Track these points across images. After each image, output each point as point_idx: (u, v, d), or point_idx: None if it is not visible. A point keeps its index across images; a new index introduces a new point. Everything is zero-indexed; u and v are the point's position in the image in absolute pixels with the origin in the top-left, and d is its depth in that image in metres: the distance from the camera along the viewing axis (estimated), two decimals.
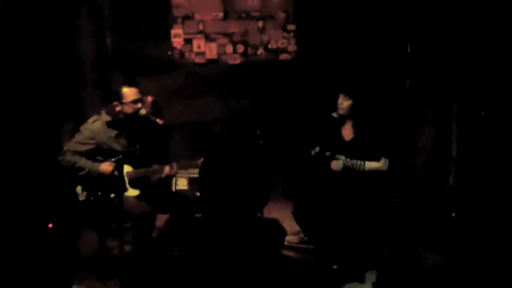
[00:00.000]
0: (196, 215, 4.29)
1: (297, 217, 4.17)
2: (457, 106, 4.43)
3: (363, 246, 3.89)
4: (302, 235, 4.46)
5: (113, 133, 4.06)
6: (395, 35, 5.00)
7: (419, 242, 4.12)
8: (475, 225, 4.04)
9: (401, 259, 3.93)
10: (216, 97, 6.23)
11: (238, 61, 6.53)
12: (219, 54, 6.55)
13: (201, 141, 6.05)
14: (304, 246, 4.42)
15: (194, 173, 5.22)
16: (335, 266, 3.93)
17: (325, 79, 5.09)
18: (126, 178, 4.04)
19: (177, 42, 6.51)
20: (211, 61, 6.55)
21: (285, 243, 4.39)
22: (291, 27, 6.49)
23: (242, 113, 6.18)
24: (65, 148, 4.01)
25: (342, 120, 4.12)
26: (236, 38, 6.52)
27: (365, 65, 5.26)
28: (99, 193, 3.94)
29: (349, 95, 4.04)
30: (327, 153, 4.01)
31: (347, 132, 4.13)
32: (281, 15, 6.49)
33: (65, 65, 5.17)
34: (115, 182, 3.87)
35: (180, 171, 4.68)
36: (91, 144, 4.00)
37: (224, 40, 6.53)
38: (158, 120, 4.49)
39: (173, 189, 5.34)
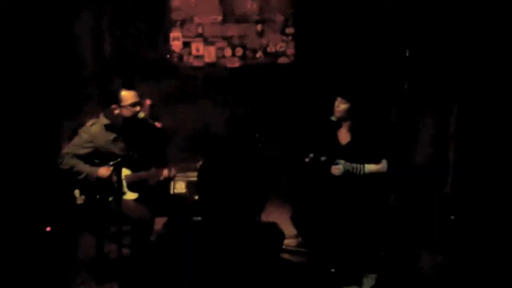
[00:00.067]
0: (195, 218, 4.30)
1: (296, 221, 4.17)
2: (454, 111, 4.44)
3: (361, 250, 3.89)
4: (300, 238, 4.46)
5: (112, 136, 4.06)
6: (393, 39, 5.01)
7: (419, 244, 4.13)
8: (474, 226, 4.05)
9: (400, 261, 3.94)
10: (215, 100, 6.23)
11: (236, 65, 6.54)
12: (217, 58, 6.55)
13: (200, 145, 6.05)
14: (302, 249, 4.42)
15: (192, 176, 5.22)
16: (333, 270, 3.93)
17: (324, 82, 5.09)
18: (124, 182, 4.04)
19: (176, 45, 6.52)
20: (210, 65, 6.55)
21: (283, 246, 4.40)
22: (289, 30, 6.50)
23: (240, 116, 6.18)
24: (63, 151, 4.01)
25: (338, 123, 4.12)
26: (235, 41, 6.53)
27: (363, 69, 5.27)
28: (97, 197, 3.93)
29: (346, 98, 4.05)
30: (322, 158, 4.01)
31: (343, 135, 4.13)
32: (280, 19, 6.50)
33: (64, 68, 5.17)
34: (113, 185, 3.87)
35: (178, 174, 4.67)
36: (90, 147, 4.00)
37: (222, 43, 6.54)
38: (156, 123, 4.50)
39: (171, 192, 5.34)
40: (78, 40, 5.68)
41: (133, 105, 4.05)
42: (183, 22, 6.50)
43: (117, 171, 3.82)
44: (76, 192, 3.97)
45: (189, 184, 5.33)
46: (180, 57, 6.53)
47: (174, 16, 6.49)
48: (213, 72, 6.47)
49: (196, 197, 5.10)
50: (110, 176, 3.89)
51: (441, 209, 4.33)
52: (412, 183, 4.55)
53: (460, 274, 3.71)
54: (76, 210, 3.96)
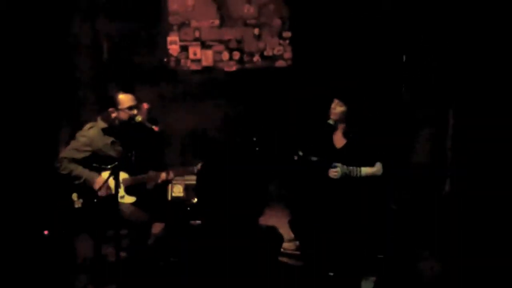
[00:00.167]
0: (194, 222, 4.29)
1: (293, 226, 4.16)
2: (454, 111, 4.44)
3: (360, 253, 3.89)
4: (298, 242, 4.45)
5: (109, 140, 4.05)
6: (392, 40, 5.02)
7: (418, 246, 4.13)
8: (474, 226, 4.05)
9: (399, 264, 3.93)
10: (212, 104, 6.22)
11: (234, 68, 6.54)
12: (215, 61, 6.56)
13: (197, 148, 6.04)
14: (300, 253, 4.41)
15: (190, 179, 5.21)
16: (331, 273, 3.92)
17: (321, 86, 5.09)
18: (122, 185, 4.03)
19: (173, 49, 6.52)
20: (207, 68, 6.56)
21: (282, 250, 4.40)
22: (287, 34, 6.51)
23: (237, 120, 6.18)
24: (61, 155, 4.00)
25: (334, 126, 4.11)
26: (232, 45, 6.53)
27: (361, 71, 5.27)
28: (95, 200, 3.92)
29: (343, 101, 4.04)
30: (313, 158, 4.01)
31: (338, 139, 4.12)
32: (277, 22, 6.51)
33: (61, 72, 5.17)
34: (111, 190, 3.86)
35: (176, 178, 4.66)
36: (87, 151, 3.99)
37: (220, 47, 6.54)
38: (154, 126, 4.49)
39: (169, 196, 5.33)
40: (75, 44, 5.68)
41: (131, 108, 4.05)
42: (180, 26, 6.50)
43: (114, 174, 3.81)
44: (74, 196, 3.96)
45: (187, 188, 5.32)
46: (178, 61, 6.53)
47: (172, 20, 6.50)
48: (210, 76, 6.47)
49: (194, 201, 5.09)
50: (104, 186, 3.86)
51: (441, 210, 4.33)
52: (411, 183, 4.55)
53: (459, 276, 3.71)
54: (74, 213, 3.95)
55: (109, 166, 3.97)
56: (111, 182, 3.76)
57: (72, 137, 4.12)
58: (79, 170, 3.94)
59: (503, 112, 3.99)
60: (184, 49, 6.53)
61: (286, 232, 4.16)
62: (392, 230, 3.94)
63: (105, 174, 3.94)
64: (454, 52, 4.38)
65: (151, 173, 4.15)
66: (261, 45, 6.53)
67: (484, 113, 4.07)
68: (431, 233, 4.30)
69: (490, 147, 4.01)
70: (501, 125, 3.96)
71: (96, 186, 3.89)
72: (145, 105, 5.00)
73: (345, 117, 4.05)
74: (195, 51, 6.53)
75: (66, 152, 4.01)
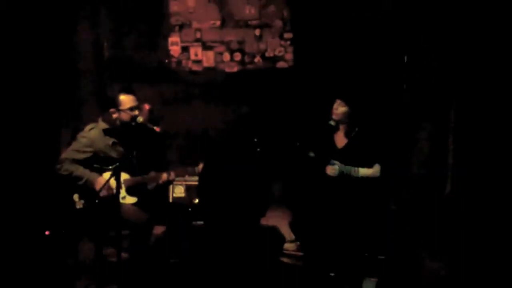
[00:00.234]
0: (196, 222, 4.30)
1: (294, 227, 4.16)
2: (454, 111, 4.44)
3: (361, 253, 3.89)
4: (299, 242, 4.46)
5: (110, 140, 4.06)
6: (392, 40, 5.02)
7: (419, 246, 4.13)
8: (474, 226, 4.05)
9: (401, 264, 3.93)
10: (213, 105, 6.24)
11: (235, 69, 6.55)
12: (216, 62, 6.57)
13: (198, 149, 6.05)
14: (301, 253, 4.42)
15: (191, 180, 5.22)
16: (332, 274, 3.92)
17: (322, 87, 5.10)
18: (123, 186, 4.04)
19: (175, 50, 6.54)
20: (208, 69, 6.57)
21: (283, 250, 4.40)
22: (288, 35, 6.52)
23: (239, 121, 6.19)
24: (62, 156, 4.01)
25: (335, 127, 4.11)
26: (233, 46, 6.55)
27: (362, 72, 5.28)
28: (96, 201, 3.93)
29: (345, 101, 4.04)
30: (311, 154, 4.01)
31: (340, 139, 4.12)
32: (278, 24, 6.52)
33: (62, 73, 5.18)
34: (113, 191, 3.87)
35: (177, 179, 4.67)
36: (89, 152, 3.99)
37: (221, 48, 6.56)
38: (155, 127, 4.50)
39: (170, 197, 5.34)
40: (76, 45, 5.70)
41: (132, 109, 4.05)
42: (181, 27, 6.52)
43: (116, 175, 3.82)
44: (75, 197, 3.96)
45: (188, 188, 5.33)
46: (179, 61, 6.55)
47: (173, 21, 6.52)
48: (211, 76, 6.49)
49: (196, 201, 5.09)
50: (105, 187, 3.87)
51: (441, 210, 4.34)
52: (411, 183, 4.55)
53: (460, 276, 3.71)
54: (75, 214, 3.96)
55: (110, 167, 3.97)
56: (112, 183, 3.78)
57: (73, 138, 4.13)
58: (80, 171, 3.95)
59: (504, 112, 3.98)
60: (185, 50, 6.55)
61: (287, 232, 4.18)
62: (392, 230, 3.94)
63: (106, 175, 3.95)
64: (454, 52, 4.38)
65: (152, 174, 4.16)
66: (262, 46, 6.54)
67: (484, 113, 4.07)
68: (431, 233, 4.31)
69: (490, 147, 4.00)
70: (502, 125, 3.95)
71: (98, 187, 3.89)
72: (146, 106, 5.02)
73: (347, 118, 4.05)
74: (196, 52, 6.55)
75: (67, 153, 4.01)
